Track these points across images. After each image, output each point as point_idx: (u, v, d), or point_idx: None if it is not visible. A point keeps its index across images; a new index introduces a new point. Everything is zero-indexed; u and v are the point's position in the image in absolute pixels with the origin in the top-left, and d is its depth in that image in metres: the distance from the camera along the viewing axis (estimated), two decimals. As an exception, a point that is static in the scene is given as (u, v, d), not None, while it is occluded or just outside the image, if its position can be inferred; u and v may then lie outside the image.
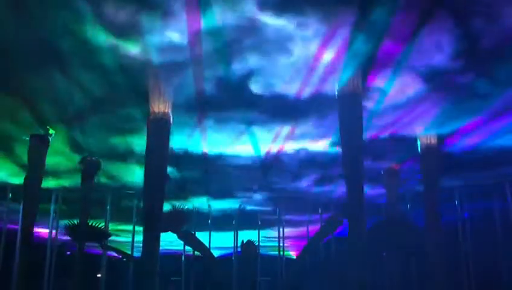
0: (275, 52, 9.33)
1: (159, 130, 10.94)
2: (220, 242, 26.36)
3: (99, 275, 23.31)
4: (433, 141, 13.04)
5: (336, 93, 9.50)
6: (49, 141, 12.66)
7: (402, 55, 9.04)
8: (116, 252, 15.03)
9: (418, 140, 13.19)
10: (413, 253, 13.46)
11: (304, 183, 18.75)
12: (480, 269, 17.89)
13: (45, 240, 21.68)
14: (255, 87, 10.77)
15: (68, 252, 26.15)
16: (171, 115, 11.00)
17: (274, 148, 15.06)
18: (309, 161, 16.30)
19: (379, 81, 10.02)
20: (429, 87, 10.56)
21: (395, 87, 10.37)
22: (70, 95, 10.70)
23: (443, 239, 12.82)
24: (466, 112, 11.86)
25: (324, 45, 8.82)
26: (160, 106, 10.61)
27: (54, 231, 21.56)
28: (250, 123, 13.01)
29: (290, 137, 14.01)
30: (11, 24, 8.37)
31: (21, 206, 13.63)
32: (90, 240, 14.56)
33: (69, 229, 13.56)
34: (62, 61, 9.29)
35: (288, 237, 25.96)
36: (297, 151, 15.45)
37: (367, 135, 11.49)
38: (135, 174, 16.98)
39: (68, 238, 14.67)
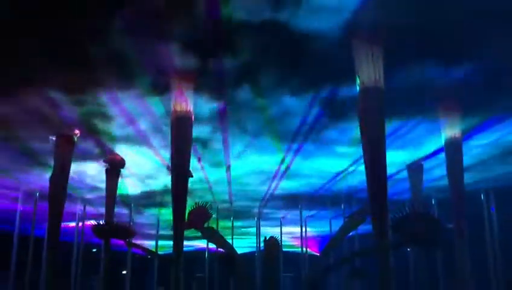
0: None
1: (181, 128, 11.05)
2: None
3: (124, 272, 23.73)
4: (458, 134, 12.82)
5: (358, 86, 9.38)
6: (74, 141, 12.91)
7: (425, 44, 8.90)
8: (141, 250, 15.23)
9: (442, 133, 13.00)
10: (438, 248, 13.31)
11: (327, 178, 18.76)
12: (508, 263, 17.59)
13: (72, 238, 22.17)
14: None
15: (94, 250, 26.71)
16: (192, 112, 11.11)
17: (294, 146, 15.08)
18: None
19: (401, 73, 9.89)
20: (454, 77, 10.37)
21: (418, 79, 10.23)
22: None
23: (469, 233, 12.63)
24: (492, 103, 11.65)
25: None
26: (182, 105, 10.73)
27: (80, 229, 22.07)
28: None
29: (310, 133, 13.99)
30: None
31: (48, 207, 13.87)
32: (115, 238, 14.82)
33: (95, 227, 13.79)
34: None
35: (311, 234, 26.01)
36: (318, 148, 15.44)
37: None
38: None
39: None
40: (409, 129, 13.09)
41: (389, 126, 10.64)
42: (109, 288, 15.40)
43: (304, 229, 23.69)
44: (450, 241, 12.05)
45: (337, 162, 16.61)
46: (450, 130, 12.74)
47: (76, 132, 12.80)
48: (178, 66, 9.87)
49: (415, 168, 15.39)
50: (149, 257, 24.96)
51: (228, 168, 17.25)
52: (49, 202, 13.31)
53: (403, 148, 14.36)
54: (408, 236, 10.29)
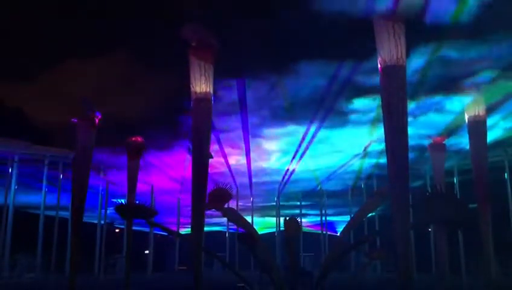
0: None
1: (201, 110, 11.06)
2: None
3: (147, 252, 24.22)
4: (481, 112, 12.56)
5: (379, 64, 9.20)
6: (96, 123, 13.06)
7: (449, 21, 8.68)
8: (163, 229, 15.45)
9: (465, 111, 12.77)
10: (460, 227, 13.15)
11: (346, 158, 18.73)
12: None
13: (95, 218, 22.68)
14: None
15: (117, 230, 27.28)
16: (212, 95, 11.10)
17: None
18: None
19: (423, 51, 9.70)
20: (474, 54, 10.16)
21: (439, 57, 10.03)
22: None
23: (492, 212, 12.48)
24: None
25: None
26: (202, 86, 10.72)
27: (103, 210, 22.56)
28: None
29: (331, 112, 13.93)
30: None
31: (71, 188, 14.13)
32: (137, 218, 15.03)
33: (118, 208, 14.03)
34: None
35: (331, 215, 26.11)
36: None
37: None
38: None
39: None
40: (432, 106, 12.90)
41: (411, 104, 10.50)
42: (132, 267, 15.72)
43: (324, 211, 23.82)
44: (473, 221, 11.92)
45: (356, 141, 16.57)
46: (473, 107, 12.50)
47: (98, 114, 12.94)
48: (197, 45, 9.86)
49: (437, 147, 15.15)
50: (170, 236, 25.36)
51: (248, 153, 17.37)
52: (72, 183, 13.55)
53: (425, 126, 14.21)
54: (429, 217, 10.23)
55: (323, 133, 16.10)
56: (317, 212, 24.88)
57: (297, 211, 24.28)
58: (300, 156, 18.83)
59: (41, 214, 20.59)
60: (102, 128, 13.28)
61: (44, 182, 20.83)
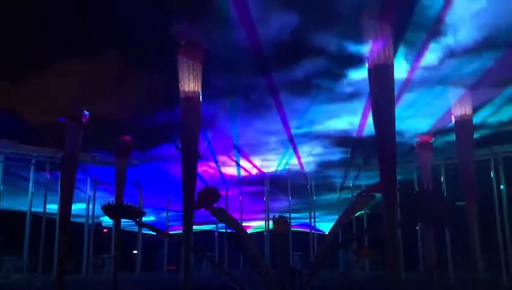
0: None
1: (189, 109, 11.04)
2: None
3: (135, 252, 24.08)
4: (468, 111, 12.69)
5: (367, 64, 9.26)
6: (84, 122, 12.95)
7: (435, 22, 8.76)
8: (151, 229, 15.36)
9: (451, 111, 12.89)
10: (447, 225, 13.28)
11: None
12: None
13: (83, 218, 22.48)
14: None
15: (105, 230, 27.10)
16: (200, 94, 11.08)
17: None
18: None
19: (411, 50, 9.77)
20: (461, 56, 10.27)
21: (427, 56, 10.11)
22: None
23: (479, 211, 12.62)
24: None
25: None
26: (190, 85, 10.69)
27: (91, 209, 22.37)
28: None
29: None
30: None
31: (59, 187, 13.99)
32: (125, 218, 14.92)
33: (106, 208, 13.91)
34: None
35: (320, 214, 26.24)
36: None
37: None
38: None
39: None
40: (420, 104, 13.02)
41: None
42: (120, 267, 15.62)
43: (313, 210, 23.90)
44: (460, 219, 12.05)
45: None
46: (459, 105, 12.62)
47: (86, 113, 12.83)
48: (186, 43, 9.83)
49: (424, 146, 15.26)
50: (159, 236, 25.26)
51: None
52: (60, 182, 13.42)
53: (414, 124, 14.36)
54: (417, 215, 10.29)
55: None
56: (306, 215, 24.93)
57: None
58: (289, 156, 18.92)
59: (28, 214, 20.35)
60: (89, 129, 13.22)
61: (31, 182, 20.58)
